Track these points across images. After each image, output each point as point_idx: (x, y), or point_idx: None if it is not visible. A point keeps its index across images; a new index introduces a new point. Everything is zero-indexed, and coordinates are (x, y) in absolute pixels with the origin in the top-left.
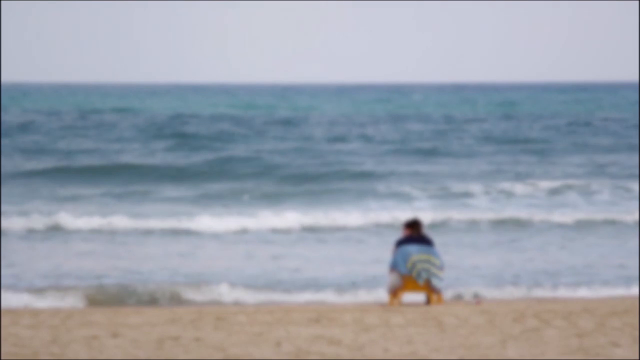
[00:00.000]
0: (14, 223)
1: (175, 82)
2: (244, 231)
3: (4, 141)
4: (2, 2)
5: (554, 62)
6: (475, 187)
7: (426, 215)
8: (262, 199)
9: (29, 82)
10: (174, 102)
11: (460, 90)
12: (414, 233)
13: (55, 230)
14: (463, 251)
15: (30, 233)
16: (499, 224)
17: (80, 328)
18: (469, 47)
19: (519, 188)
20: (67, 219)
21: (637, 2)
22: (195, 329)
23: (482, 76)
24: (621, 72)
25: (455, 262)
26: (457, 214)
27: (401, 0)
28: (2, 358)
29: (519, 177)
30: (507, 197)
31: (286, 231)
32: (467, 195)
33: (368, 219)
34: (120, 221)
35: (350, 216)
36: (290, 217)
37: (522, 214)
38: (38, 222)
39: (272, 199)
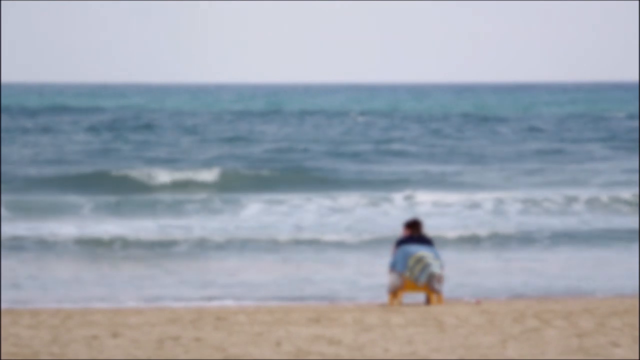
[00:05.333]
0: None
1: (177, 83)
2: None
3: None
4: (2, 2)
5: (547, 63)
6: None
7: None
8: None
9: (29, 83)
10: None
11: (489, 91)
12: (414, 233)
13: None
14: None
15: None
16: None
17: (80, 328)
18: (462, 48)
19: None
20: None
21: (637, 2)
22: (195, 329)
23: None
24: (618, 72)
25: None
26: None
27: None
28: (2, 358)
29: None
30: None
31: None
32: None
33: None
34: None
35: None
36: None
37: None
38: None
39: None
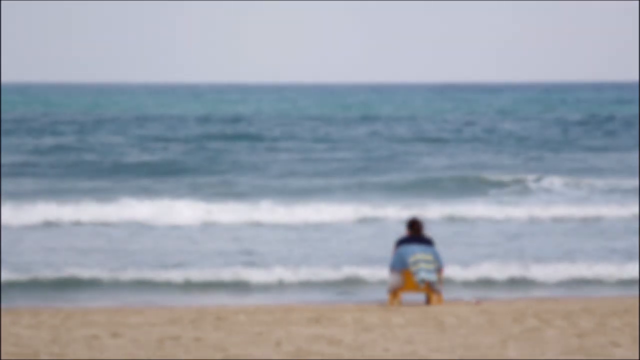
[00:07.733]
0: None
1: (177, 83)
2: None
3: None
4: (2, 2)
5: (541, 63)
6: None
7: None
8: None
9: (29, 83)
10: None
11: (492, 92)
12: (414, 233)
13: None
14: None
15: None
16: None
17: (80, 328)
18: (457, 48)
19: None
20: None
21: (637, 2)
22: (195, 329)
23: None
24: (612, 72)
25: None
26: None
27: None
28: (2, 358)
29: None
30: None
31: None
32: None
33: None
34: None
35: None
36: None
37: None
38: None
39: None
